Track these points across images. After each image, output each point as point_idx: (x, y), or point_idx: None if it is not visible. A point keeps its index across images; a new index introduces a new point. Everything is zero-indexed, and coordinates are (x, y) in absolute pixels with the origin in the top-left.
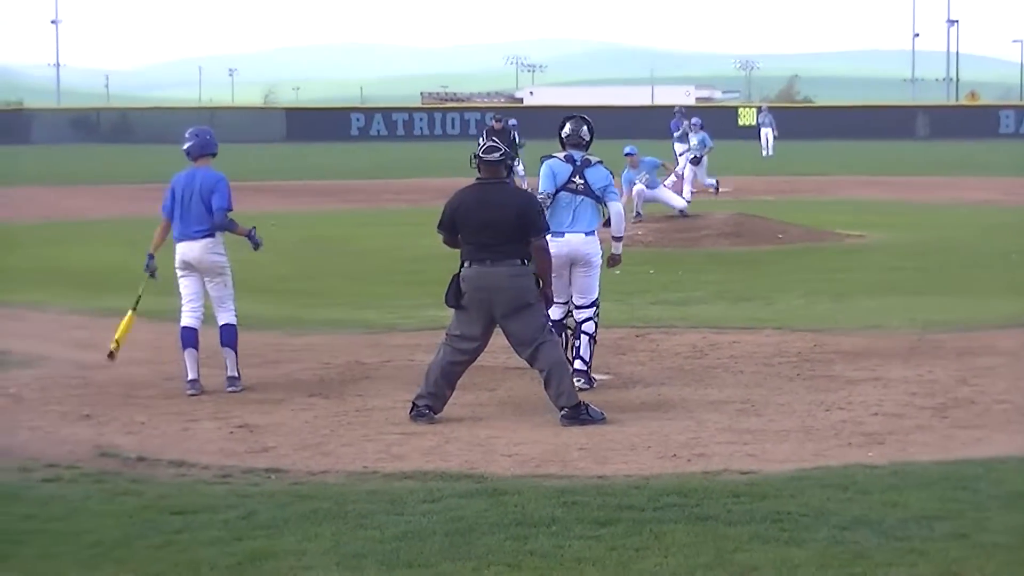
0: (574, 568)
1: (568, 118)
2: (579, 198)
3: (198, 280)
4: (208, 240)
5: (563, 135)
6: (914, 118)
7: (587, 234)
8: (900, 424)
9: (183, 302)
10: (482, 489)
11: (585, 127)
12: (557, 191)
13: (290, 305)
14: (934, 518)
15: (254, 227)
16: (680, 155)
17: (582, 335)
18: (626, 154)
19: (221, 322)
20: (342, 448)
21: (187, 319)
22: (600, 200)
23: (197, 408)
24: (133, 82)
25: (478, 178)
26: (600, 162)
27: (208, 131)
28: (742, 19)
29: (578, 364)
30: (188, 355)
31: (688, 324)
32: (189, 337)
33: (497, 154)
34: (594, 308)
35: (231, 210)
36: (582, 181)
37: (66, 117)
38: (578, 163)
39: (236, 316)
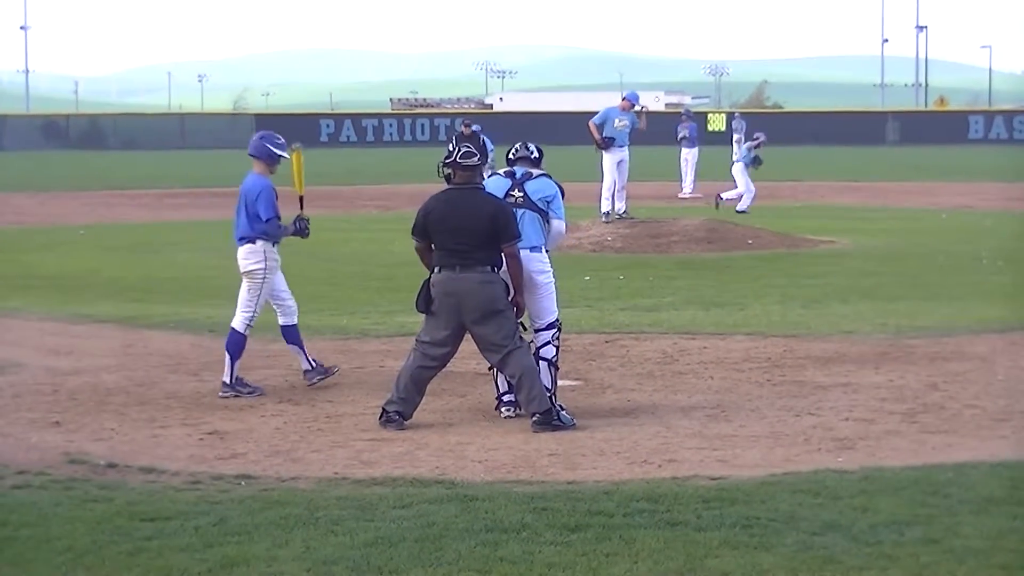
0: (544, 574)
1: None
2: (519, 212)
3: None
4: (247, 246)
5: (509, 155)
6: (884, 124)
7: (531, 250)
8: (871, 429)
9: (236, 305)
10: (452, 495)
11: (533, 145)
12: None
13: (264, 311)
14: (905, 523)
15: (297, 217)
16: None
17: (540, 361)
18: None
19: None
20: (312, 454)
21: (234, 321)
22: (545, 213)
23: (167, 415)
24: (103, 88)
25: (452, 183)
26: (545, 175)
27: (263, 134)
28: (712, 25)
29: (508, 397)
30: (227, 358)
31: (658, 330)
32: (229, 339)
33: (473, 159)
34: (552, 331)
35: (278, 218)
36: (521, 194)
37: (36, 123)
38: (518, 177)
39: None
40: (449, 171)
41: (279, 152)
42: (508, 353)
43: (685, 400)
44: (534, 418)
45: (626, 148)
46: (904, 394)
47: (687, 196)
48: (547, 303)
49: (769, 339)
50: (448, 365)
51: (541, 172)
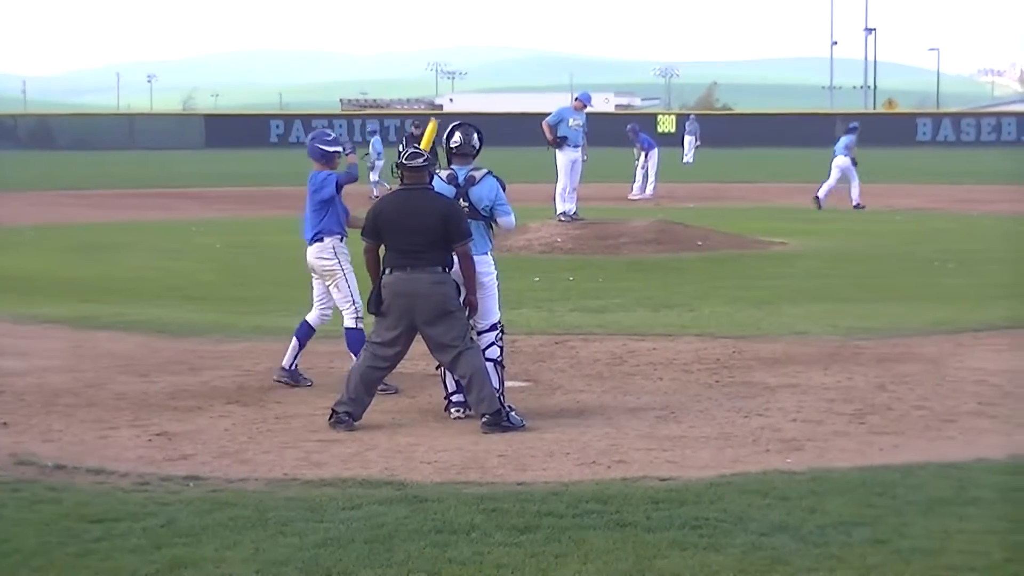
0: (494, 575)
1: (456, 126)
2: None
3: (320, 283)
4: (315, 245)
5: (451, 145)
6: (833, 126)
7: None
8: (819, 430)
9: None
10: (402, 496)
11: (475, 135)
12: None
13: (215, 312)
14: (852, 524)
15: (349, 154)
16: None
17: (487, 363)
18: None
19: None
20: (261, 455)
21: (309, 315)
22: (488, 219)
23: (116, 416)
24: (51, 88)
25: (402, 184)
26: (488, 173)
27: (313, 135)
28: (663, 27)
29: (457, 397)
30: (292, 343)
31: (607, 331)
32: (299, 328)
33: (420, 160)
34: (495, 332)
35: (340, 186)
36: (466, 204)
37: None
38: (462, 184)
39: (357, 317)
40: (400, 172)
41: (331, 149)
42: (459, 354)
43: (634, 401)
44: (484, 419)
45: (580, 148)
46: (852, 395)
47: (637, 198)
48: (490, 304)
49: (718, 340)
50: (398, 366)
51: (484, 172)
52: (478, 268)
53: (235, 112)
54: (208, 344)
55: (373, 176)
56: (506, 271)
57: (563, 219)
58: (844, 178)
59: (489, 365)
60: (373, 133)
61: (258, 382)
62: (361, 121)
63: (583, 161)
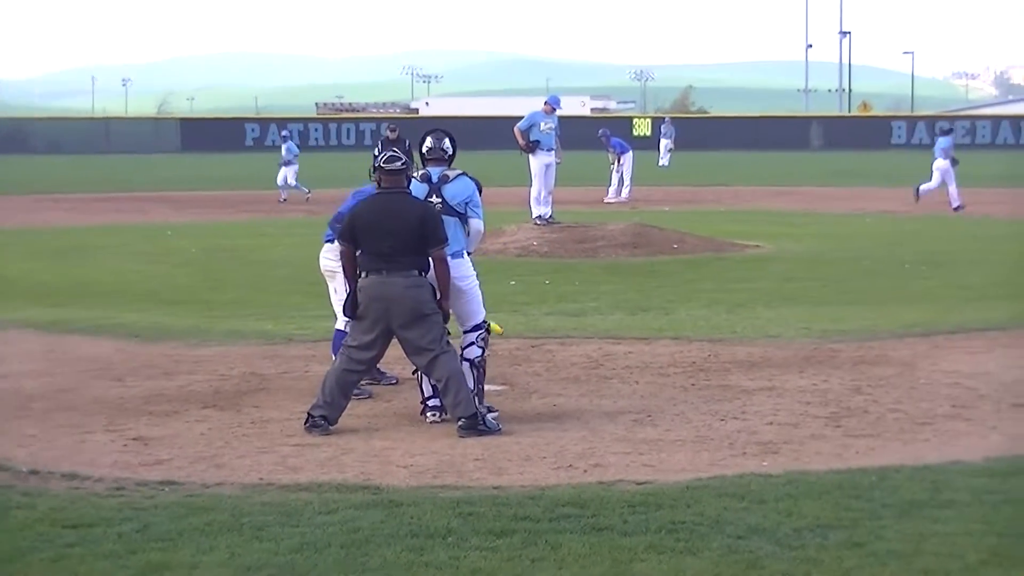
0: None
1: (428, 132)
2: None
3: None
4: (326, 245)
5: (423, 150)
6: (808, 129)
7: (452, 256)
8: (795, 433)
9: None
10: (378, 500)
11: (447, 140)
12: None
13: (191, 316)
14: (829, 527)
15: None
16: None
17: (463, 362)
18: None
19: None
20: (237, 460)
21: (337, 323)
22: (464, 216)
23: (90, 421)
24: (26, 90)
25: (380, 188)
26: (463, 174)
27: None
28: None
29: (433, 401)
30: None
31: (584, 335)
32: (334, 342)
33: (398, 163)
34: (477, 332)
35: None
36: (439, 200)
37: None
38: (435, 181)
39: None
40: (377, 176)
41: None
42: (435, 357)
43: (611, 405)
44: (460, 423)
45: (553, 152)
46: (828, 398)
47: (613, 201)
48: (474, 306)
49: (694, 343)
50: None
51: (458, 172)
52: (458, 272)
53: (210, 116)
54: (184, 348)
55: (289, 179)
56: (482, 275)
57: (539, 223)
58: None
59: (466, 366)
60: (286, 138)
61: (233, 386)
62: (337, 125)
63: (556, 164)
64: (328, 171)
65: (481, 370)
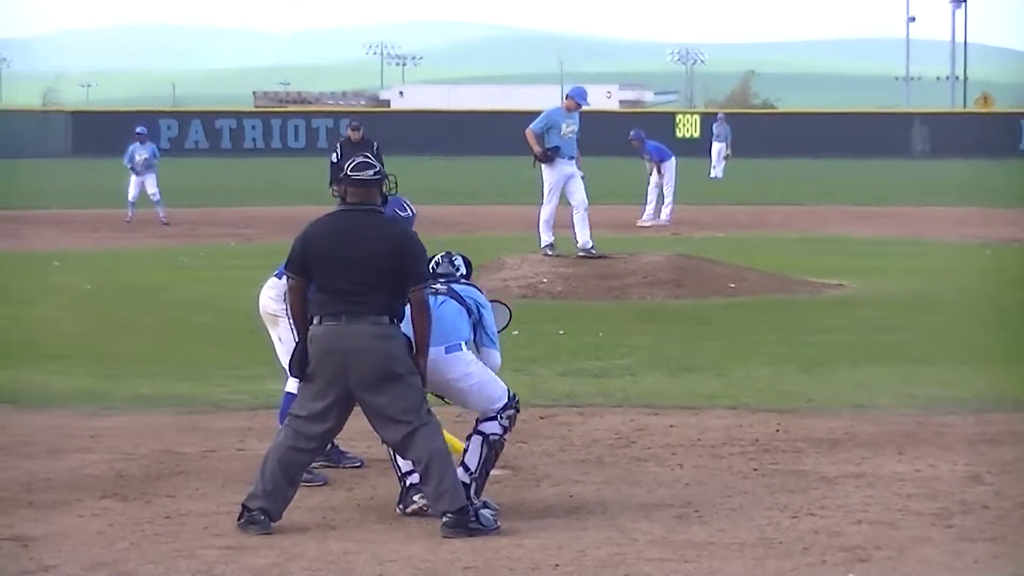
0: None
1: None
2: (438, 299)
3: None
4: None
5: (430, 267)
6: (908, 129)
7: (447, 350)
8: (892, 536)
9: None
10: None
11: (459, 258)
12: None
13: (83, 375)
14: None
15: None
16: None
17: (474, 436)
18: None
19: None
20: (146, 568)
21: None
22: (470, 310)
23: None
24: None
25: (343, 204)
26: (475, 287)
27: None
28: None
29: (414, 479)
30: None
31: (610, 402)
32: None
33: (370, 171)
34: (506, 412)
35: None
36: (444, 286)
37: None
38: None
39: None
40: (341, 189)
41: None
42: (411, 432)
43: (646, 496)
44: (445, 519)
45: (575, 160)
46: (936, 489)
47: (649, 224)
48: (487, 392)
49: (757, 415)
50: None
51: (470, 284)
52: (454, 371)
53: (112, 108)
54: (75, 419)
55: (141, 190)
56: None
57: (549, 253)
58: None
59: (476, 440)
60: (143, 136)
61: (141, 469)
62: (281, 121)
63: (582, 177)
64: (270, 183)
65: (494, 452)
